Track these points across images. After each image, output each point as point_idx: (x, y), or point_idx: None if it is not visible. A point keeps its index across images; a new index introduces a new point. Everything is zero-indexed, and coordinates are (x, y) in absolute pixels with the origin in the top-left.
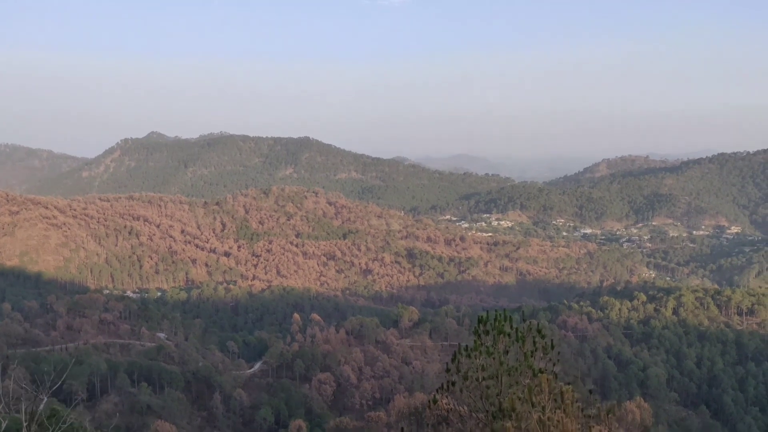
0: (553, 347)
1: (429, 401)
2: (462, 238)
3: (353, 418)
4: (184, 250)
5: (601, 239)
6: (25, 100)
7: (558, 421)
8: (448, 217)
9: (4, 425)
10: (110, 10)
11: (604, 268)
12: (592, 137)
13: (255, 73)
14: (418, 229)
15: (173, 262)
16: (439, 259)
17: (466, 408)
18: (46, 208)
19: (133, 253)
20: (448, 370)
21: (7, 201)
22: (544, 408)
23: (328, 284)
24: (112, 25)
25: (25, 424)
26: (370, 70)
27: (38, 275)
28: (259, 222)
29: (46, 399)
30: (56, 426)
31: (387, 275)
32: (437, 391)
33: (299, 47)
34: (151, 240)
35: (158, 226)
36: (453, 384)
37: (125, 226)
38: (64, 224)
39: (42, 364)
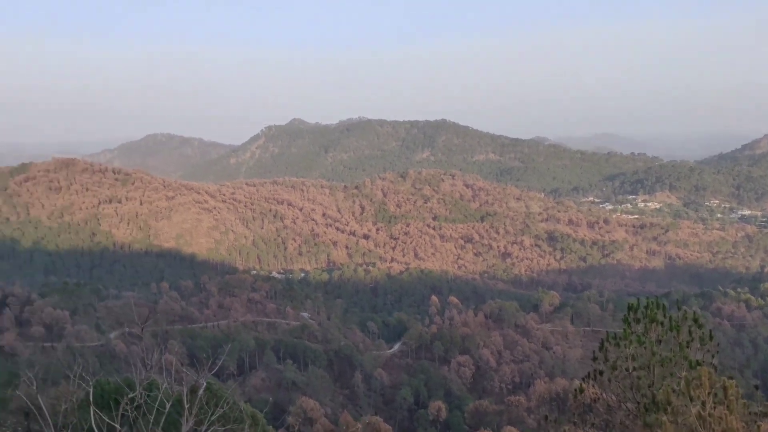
0: (711, 338)
1: (575, 390)
2: (606, 221)
3: (492, 402)
4: (325, 232)
5: (762, 221)
6: (180, 93)
7: (720, 417)
8: (590, 199)
9: (168, 401)
10: (253, 3)
11: (766, 253)
12: (753, 113)
13: (391, 59)
14: (559, 211)
15: (315, 244)
16: (581, 242)
17: (614, 398)
18: (198, 193)
19: (278, 236)
20: (594, 359)
21: (164, 187)
22: (704, 403)
23: (465, 267)
24: (257, 18)
25: (186, 398)
26: (507, 46)
27: (192, 256)
28: (397, 205)
29: (207, 374)
30: (212, 400)
31: (526, 259)
32: (583, 379)
33: (435, 27)
34: (295, 223)
35: (301, 210)
36: (600, 373)
37: (270, 210)
38: (215, 208)
39: (197, 339)
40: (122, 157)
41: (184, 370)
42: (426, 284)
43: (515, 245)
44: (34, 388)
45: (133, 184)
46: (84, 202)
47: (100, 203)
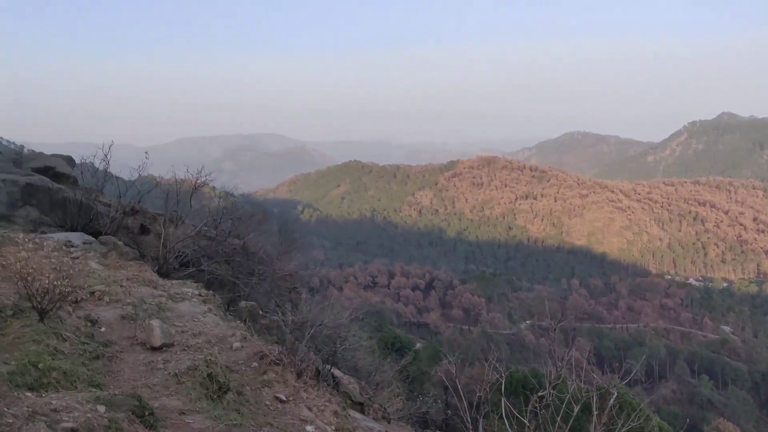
0: None
1: None
2: None
3: None
4: (755, 239)
5: None
6: (599, 92)
7: None
8: None
9: (576, 402)
10: None
11: None
12: None
13: None
14: None
15: (742, 251)
16: None
17: None
18: (612, 191)
19: (698, 240)
20: None
21: (578, 185)
22: None
23: None
24: (680, 8)
25: (595, 403)
26: None
27: (602, 255)
28: None
29: (617, 379)
30: (626, 408)
31: None
32: None
33: None
34: (718, 227)
35: (726, 213)
36: None
37: (690, 212)
38: (628, 208)
39: (604, 340)
40: (539, 154)
41: (593, 370)
42: None
43: None
44: (454, 367)
45: (548, 181)
46: (502, 198)
47: (517, 199)
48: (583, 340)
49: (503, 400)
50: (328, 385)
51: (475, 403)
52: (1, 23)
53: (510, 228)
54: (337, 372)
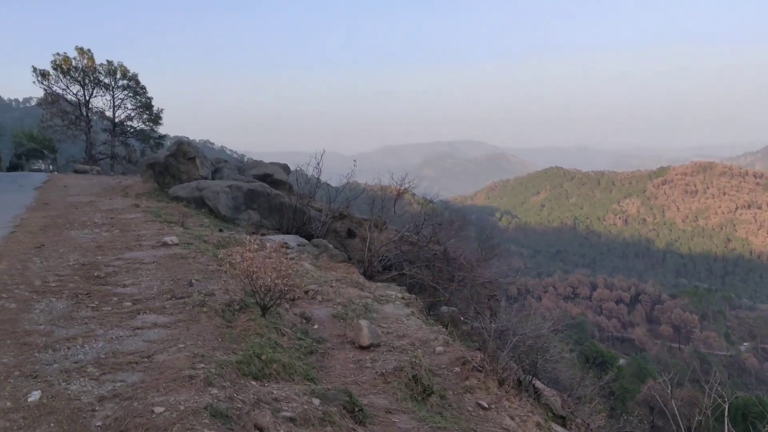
0: None
1: None
2: None
3: None
4: None
5: None
6: None
7: None
8: None
9: None
10: None
11: None
12: None
13: None
14: None
15: None
16: None
17: None
18: None
19: None
20: None
21: None
22: None
23: None
24: None
25: None
26: None
27: None
28: None
29: None
30: None
31: None
32: None
33: None
34: None
35: None
36: None
37: None
38: None
39: None
40: (765, 159)
41: None
42: None
43: None
44: (669, 389)
45: None
46: (720, 207)
47: (737, 208)
48: None
49: (727, 426)
50: (530, 395)
51: (691, 429)
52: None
53: (729, 240)
54: (538, 383)
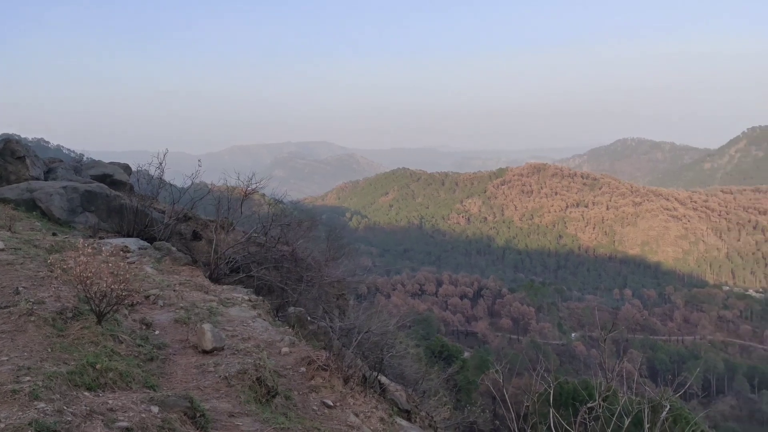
0: None
1: None
2: None
3: None
4: None
5: None
6: (653, 96)
7: None
8: None
9: (627, 414)
10: None
11: None
12: None
13: None
14: None
15: None
16: None
17: None
18: (667, 199)
19: (758, 250)
20: None
21: (631, 192)
22: None
23: None
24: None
25: (647, 417)
26: None
27: (657, 265)
28: None
29: (671, 392)
30: (679, 423)
31: None
32: None
33: None
34: None
35: None
36: None
37: (749, 221)
38: (684, 216)
39: (658, 352)
40: (591, 161)
41: (645, 382)
42: None
43: None
44: (500, 377)
45: (600, 188)
46: (552, 205)
47: (567, 207)
48: (635, 352)
49: (551, 411)
50: (375, 391)
51: (522, 414)
52: (67, 38)
53: (560, 236)
54: (383, 379)
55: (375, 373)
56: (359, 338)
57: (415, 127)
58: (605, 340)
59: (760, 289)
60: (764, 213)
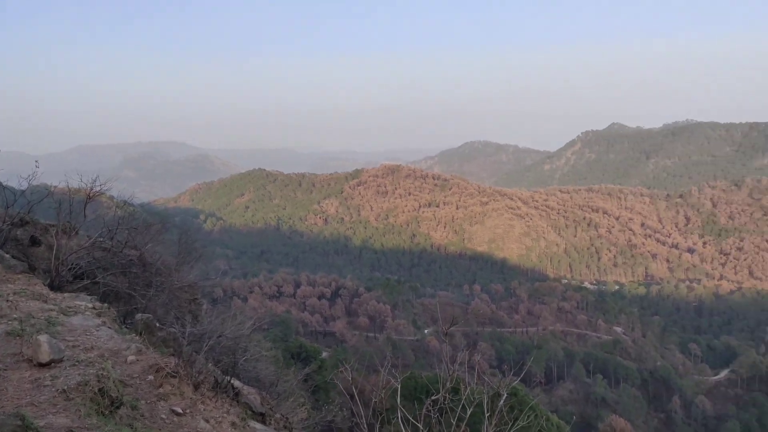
0: None
1: None
2: None
3: None
4: (643, 243)
5: None
6: (499, 101)
7: None
8: None
9: (485, 397)
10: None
11: None
12: None
13: (723, 52)
14: None
15: (632, 255)
16: None
17: None
18: (511, 199)
19: (592, 245)
20: None
21: (479, 192)
22: None
23: None
24: (575, 19)
25: (487, 404)
26: None
27: (503, 261)
28: (729, 217)
29: (509, 381)
30: (517, 406)
31: None
32: None
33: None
34: (610, 232)
35: (617, 219)
36: None
37: (584, 218)
38: (527, 215)
39: (505, 344)
40: (442, 163)
41: (494, 373)
42: (762, 307)
43: None
44: (350, 374)
45: (450, 189)
46: (406, 206)
47: (420, 207)
48: (484, 344)
49: (398, 405)
50: (228, 396)
51: (371, 409)
52: None
53: (414, 235)
54: (237, 383)
55: (227, 378)
56: (210, 343)
57: (270, 128)
58: (446, 334)
59: (594, 282)
60: (597, 211)
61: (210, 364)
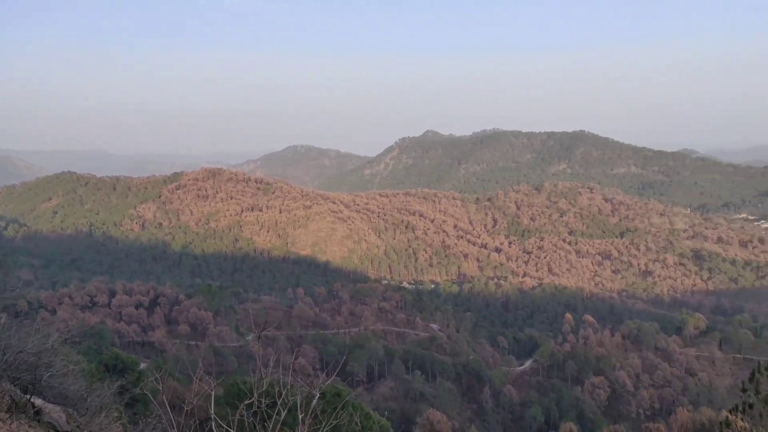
0: None
1: (720, 422)
2: (761, 240)
3: (629, 427)
4: (456, 244)
5: None
6: (321, 107)
7: None
8: (743, 216)
9: (299, 399)
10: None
11: None
12: None
13: (526, 68)
14: (707, 228)
15: (446, 256)
16: (732, 262)
17: None
18: (334, 203)
19: (409, 246)
20: (744, 390)
21: (302, 196)
22: None
23: (602, 285)
24: (392, 30)
25: (316, 400)
26: (650, 53)
27: (326, 264)
28: (531, 218)
29: (333, 378)
30: (340, 403)
31: (669, 278)
32: (731, 411)
33: (570, 34)
34: (426, 234)
35: (432, 221)
36: (750, 406)
37: (402, 221)
38: (349, 218)
39: (329, 345)
40: (264, 167)
41: (317, 375)
42: (560, 301)
43: (657, 263)
44: (161, 384)
45: (273, 193)
46: (228, 210)
47: (243, 211)
48: (308, 346)
49: (212, 411)
50: (27, 416)
51: (185, 415)
52: None
53: (236, 240)
54: (38, 401)
55: (27, 396)
56: (6, 359)
57: (82, 129)
58: (258, 338)
59: (412, 281)
60: (414, 214)
61: (6, 383)
